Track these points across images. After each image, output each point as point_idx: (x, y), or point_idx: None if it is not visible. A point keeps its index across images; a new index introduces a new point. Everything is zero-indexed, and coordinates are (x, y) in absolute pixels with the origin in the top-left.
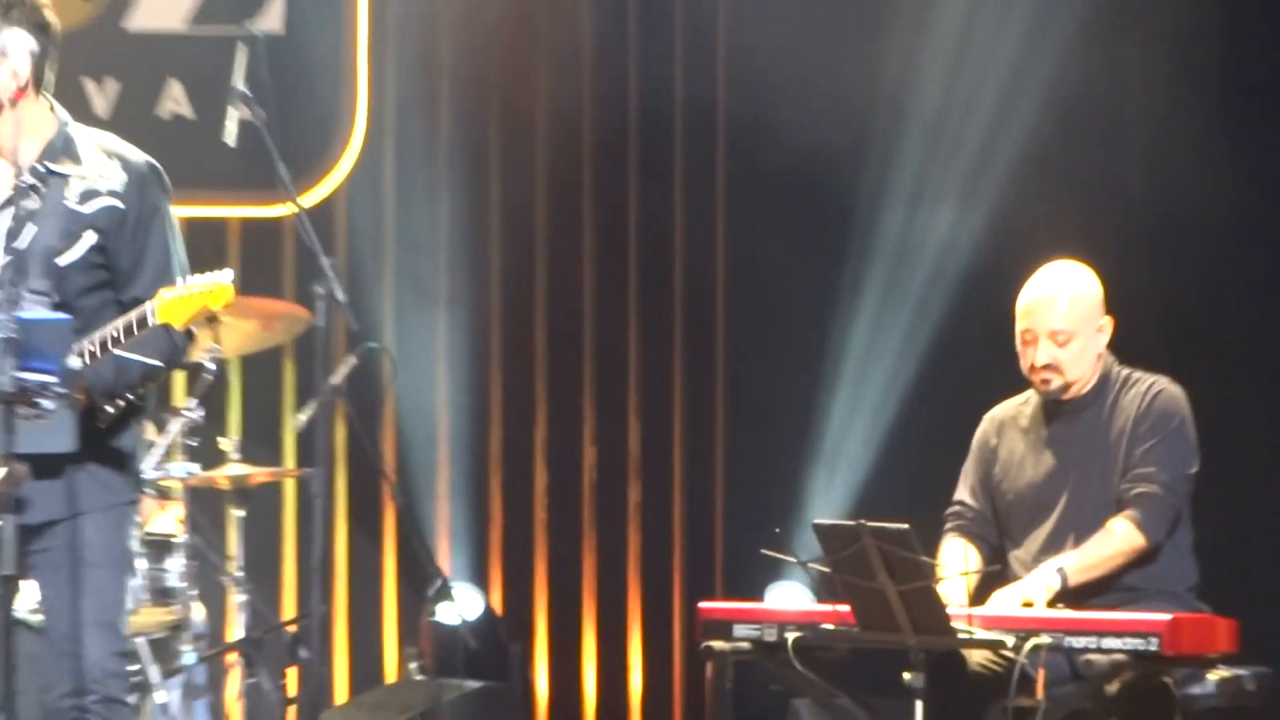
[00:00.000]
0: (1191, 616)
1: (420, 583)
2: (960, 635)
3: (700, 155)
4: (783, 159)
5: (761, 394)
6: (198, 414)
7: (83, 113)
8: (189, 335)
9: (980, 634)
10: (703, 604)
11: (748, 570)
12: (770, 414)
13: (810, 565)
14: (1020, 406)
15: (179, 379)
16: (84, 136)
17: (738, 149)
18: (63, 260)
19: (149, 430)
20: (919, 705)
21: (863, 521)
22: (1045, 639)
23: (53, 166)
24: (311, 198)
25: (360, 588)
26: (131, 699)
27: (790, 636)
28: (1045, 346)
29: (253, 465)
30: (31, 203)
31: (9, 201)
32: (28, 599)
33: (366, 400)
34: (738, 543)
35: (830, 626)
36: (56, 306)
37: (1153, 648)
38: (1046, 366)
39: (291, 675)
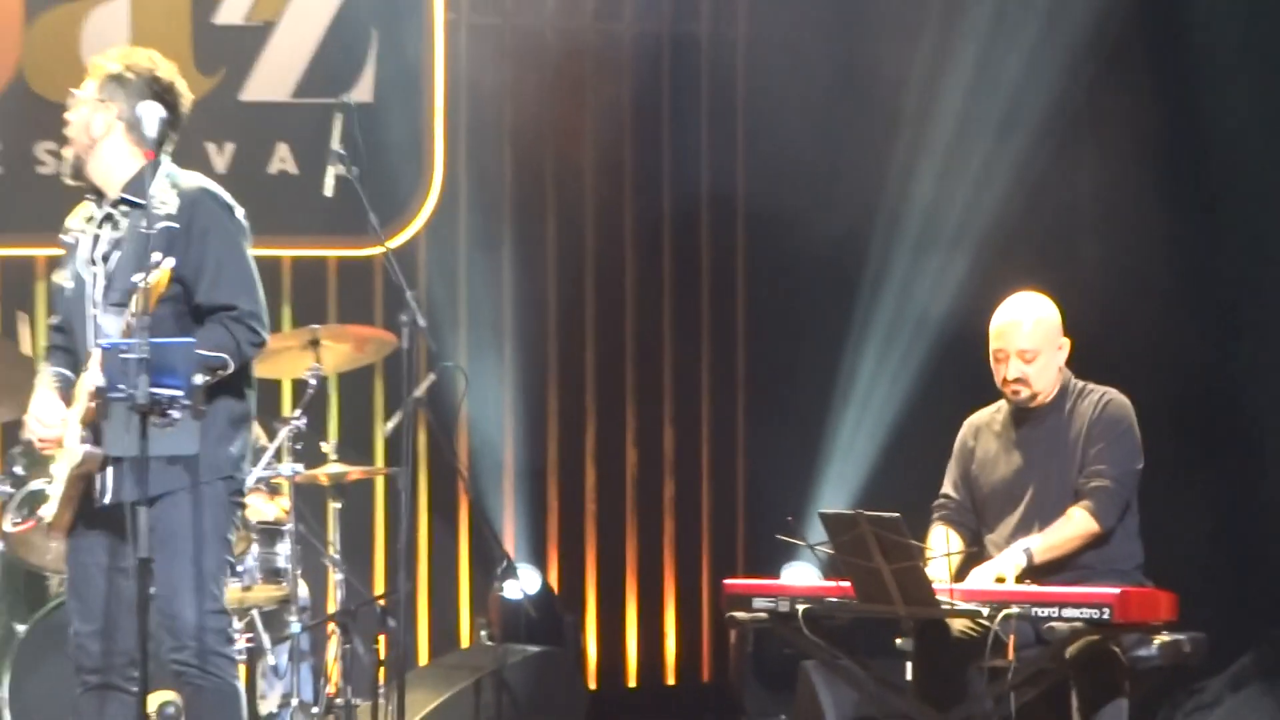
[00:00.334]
0: (1138, 590)
1: (489, 563)
2: (943, 606)
3: (722, 207)
4: (798, 227)
5: (777, 407)
6: (302, 422)
7: (204, 170)
8: (256, 334)
9: (960, 605)
10: (727, 581)
11: (765, 552)
12: (784, 423)
13: (817, 548)
14: (994, 413)
15: (287, 393)
16: (162, 173)
17: (757, 210)
18: (137, 278)
19: (261, 436)
20: (909, 665)
21: (861, 511)
22: (1015, 609)
23: (129, 198)
24: (397, 241)
25: (438, 568)
26: (230, 650)
27: (800, 608)
28: (1014, 363)
29: (348, 465)
30: (117, 230)
31: (101, 226)
32: None
33: (444, 410)
34: (756, 529)
35: (834, 599)
36: (131, 316)
37: (1105, 617)
38: (1016, 380)
39: (381, 641)
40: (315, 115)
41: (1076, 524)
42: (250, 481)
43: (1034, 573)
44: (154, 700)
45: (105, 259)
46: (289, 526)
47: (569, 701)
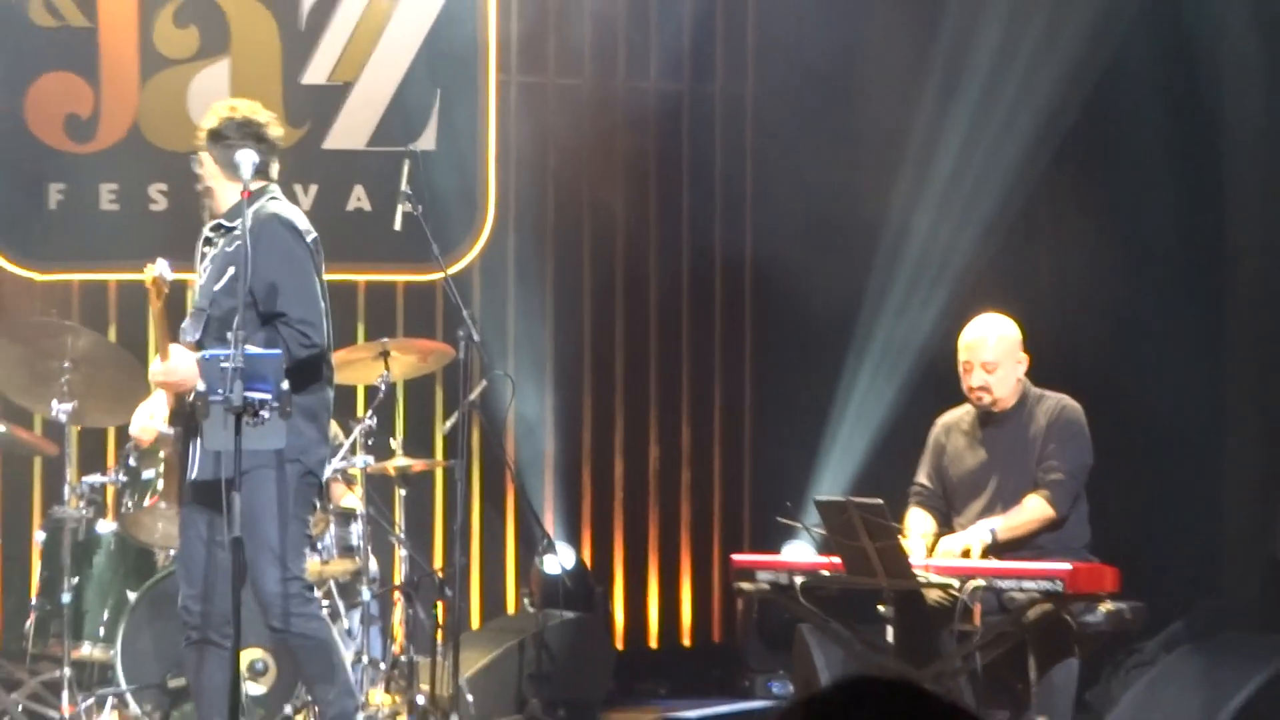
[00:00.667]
0: (1086, 566)
1: (531, 542)
2: (919, 579)
3: (733, 238)
4: (801, 258)
5: (780, 410)
6: (373, 422)
7: None
8: (308, 338)
9: (934, 578)
10: (735, 556)
11: (769, 532)
12: (786, 424)
13: (812, 529)
14: (962, 415)
15: (360, 398)
16: (255, 204)
17: (764, 241)
18: (216, 288)
19: (339, 433)
20: (890, 629)
21: (849, 498)
22: (980, 581)
23: (225, 224)
24: (455, 268)
25: (488, 545)
26: (310, 609)
27: (798, 580)
28: (979, 373)
29: (412, 458)
30: (212, 249)
31: (205, 247)
32: None
33: (494, 412)
34: (760, 513)
35: (826, 573)
36: (208, 320)
37: (1058, 588)
38: (981, 387)
39: (439, 608)
40: (386, 161)
41: (1035, 510)
42: (327, 471)
43: (996, 550)
44: (245, 656)
45: (204, 273)
46: (361, 510)
47: (599, 659)
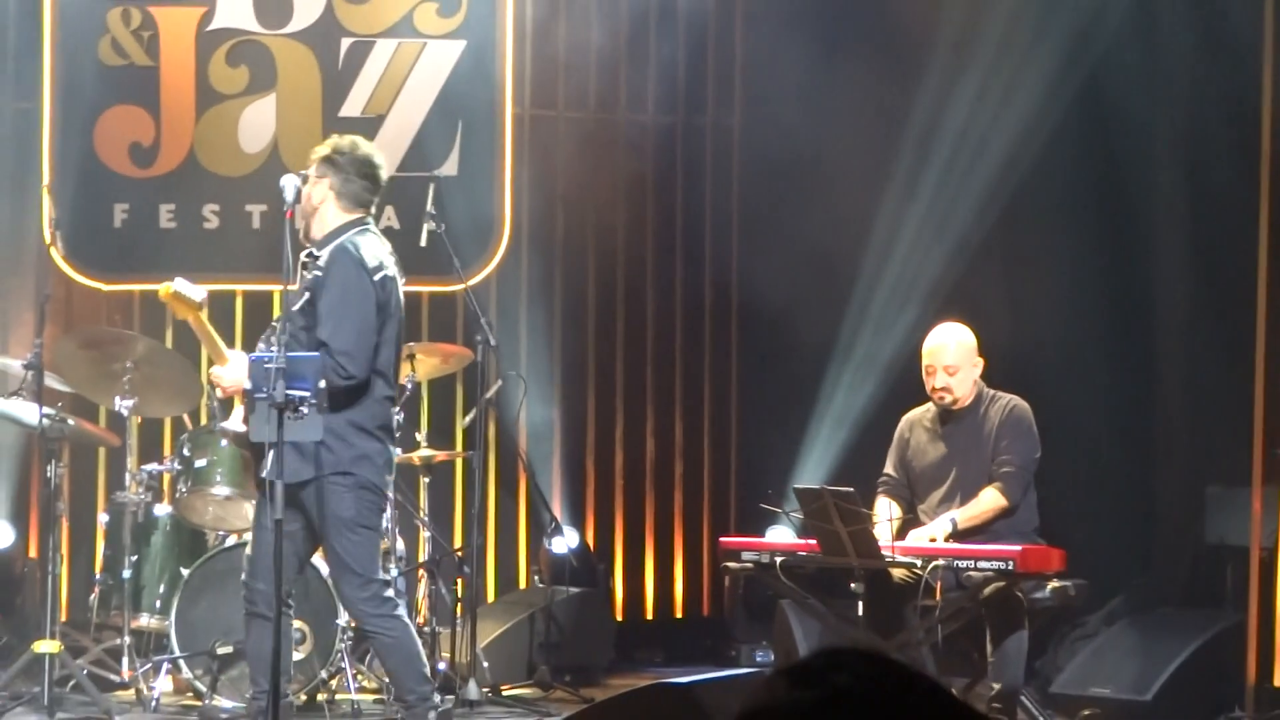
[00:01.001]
0: (1035, 548)
1: (541, 525)
2: (887, 559)
3: (721, 254)
4: (783, 273)
5: (764, 407)
6: (400, 417)
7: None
8: (343, 368)
9: (900, 558)
10: (723, 539)
11: (753, 517)
12: (770, 419)
13: (791, 514)
14: (924, 413)
15: None
16: (345, 234)
17: (749, 259)
18: (295, 308)
19: None
20: (860, 604)
21: (825, 486)
22: (941, 562)
23: (315, 252)
24: (474, 280)
25: (503, 528)
26: (385, 609)
27: (779, 560)
28: (940, 375)
29: (435, 449)
30: (307, 273)
31: (301, 270)
32: None
33: (508, 408)
34: (746, 500)
35: (804, 554)
36: (290, 337)
37: (1010, 568)
38: (942, 388)
39: (459, 583)
40: (414, 185)
41: (990, 500)
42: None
43: (956, 536)
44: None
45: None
46: (389, 496)
47: (601, 630)
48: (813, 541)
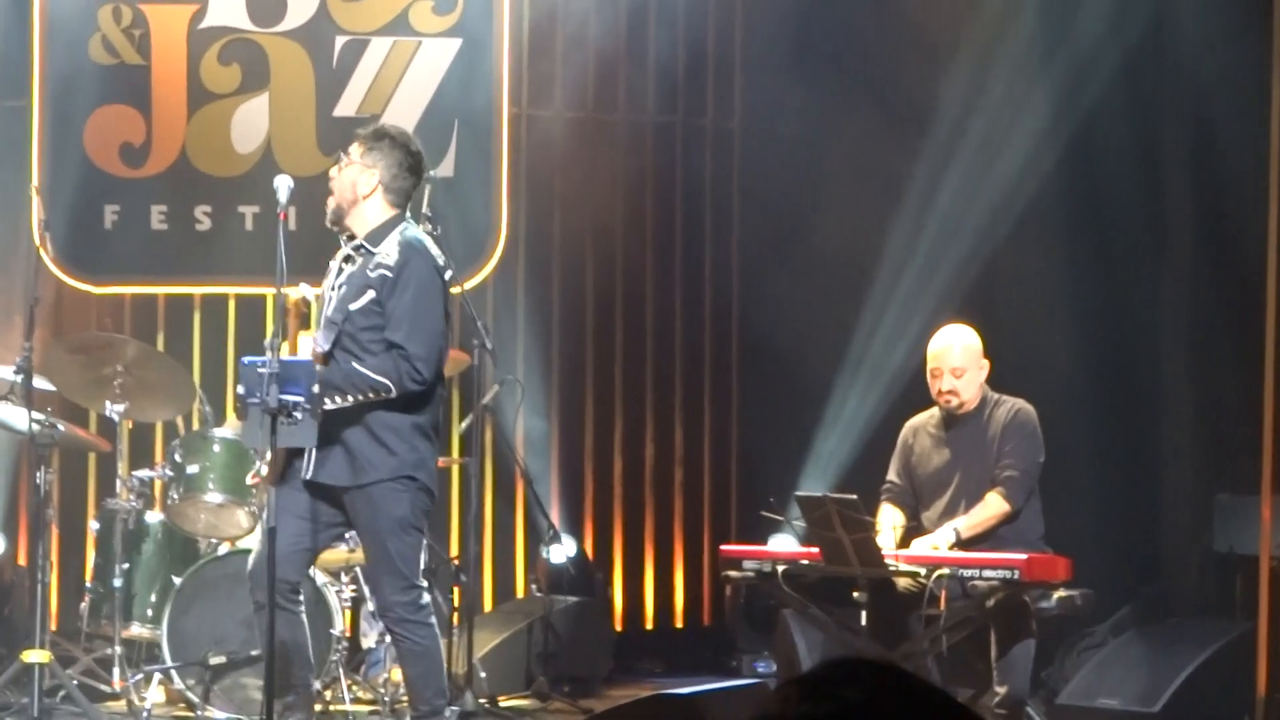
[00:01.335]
0: (1041, 556)
1: (538, 532)
2: (891, 568)
3: (720, 256)
4: (786, 271)
5: (766, 413)
6: None
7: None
8: (418, 373)
9: (904, 567)
10: (723, 547)
11: (754, 525)
12: (771, 426)
13: (793, 522)
14: (928, 417)
15: None
16: (396, 229)
17: (751, 256)
18: (352, 306)
19: None
20: (864, 613)
21: (827, 494)
22: (946, 570)
23: (369, 247)
24: (471, 283)
25: (499, 535)
26: (419, 616)
27: (780, 568)
28: (947, 378)
29: None
30: (352, 266)
31: (344, 263)
32: None
33: (505, 414)
34: (747, 507)
35: (806, 562)
36: (340, 334)
37: (1015, 576)
38: (949, 391)
39: (455, 592)
40: None
41: (992, 506)
42: None
43: (960, 544)
44: None
45: (339, 288)
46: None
47: (600, 640)
48: (815, 550)
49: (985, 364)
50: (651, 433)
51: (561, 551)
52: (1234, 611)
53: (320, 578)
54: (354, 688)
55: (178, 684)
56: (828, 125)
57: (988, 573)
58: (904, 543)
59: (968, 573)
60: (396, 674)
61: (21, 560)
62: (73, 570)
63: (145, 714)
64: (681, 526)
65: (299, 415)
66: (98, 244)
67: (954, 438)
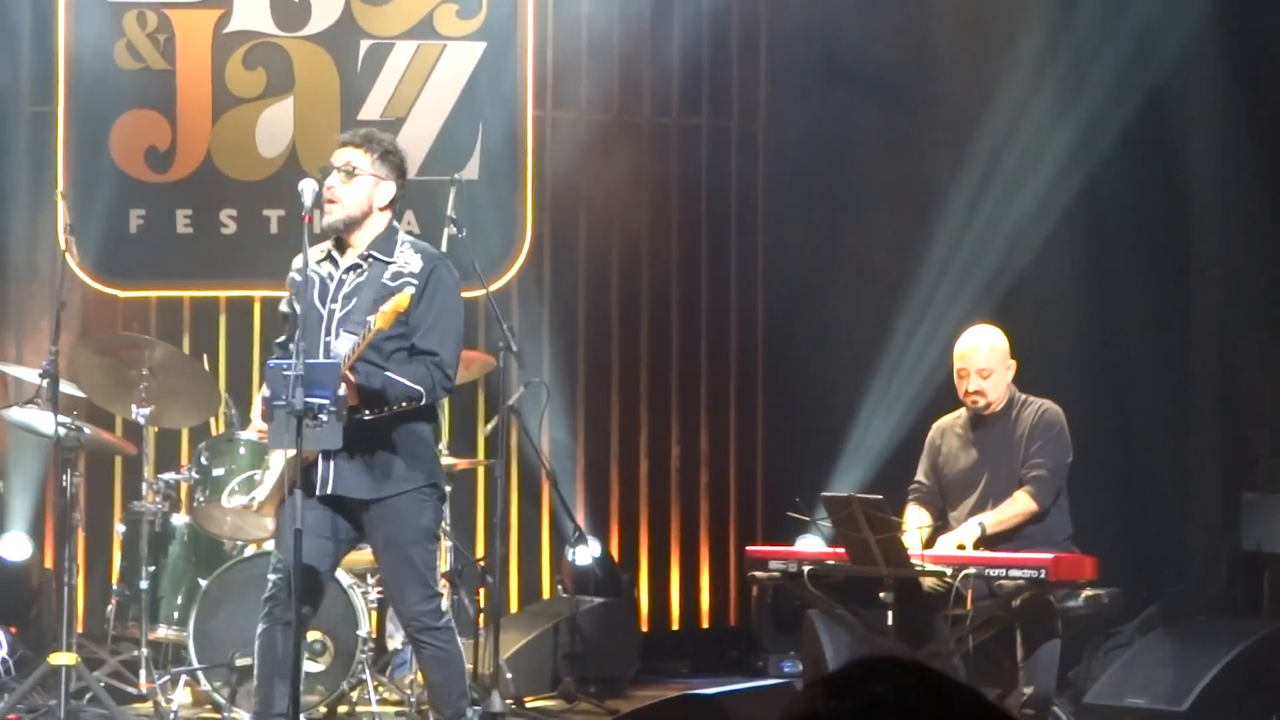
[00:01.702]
0: (1068, 556)
1: (564, 534)
2: (917, 568)
3: (746, 260)
4: (811, 267)
5: (791, 413)
6: None
7: None
8: (449, 380)
9: (930, 567)
10: (749, 548)
11: (780, 525)
12: (796, 427)
13: (820, 523)
14: (955, 418)
15: None
16: (402, 239)
17: (775, 255)
18: (372, 316)
19: None
20: (890, 614)
21: (853, 494)
22: (972, 570)
23: (379, 256)
24: (496, 285)
25: (526, 537)
26: (443, 622)
27: (806, 569)
28: (974, 379)
29: (457, 458)
30: (360, 276)
31: (347, 272)
32: None
33: (531, 416)
34: (773, 508)
35: (832, 562)
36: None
37: (1042, 576)
38: (975, 392)
39: (481, 593)
40: (434, 189)
41: (1020, 504)
42: None
43: (986, 542)
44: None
45: (348, 298)
46: None
47: (626, 641)
48: (841, 550)
49: (1012, 364)
50: (677, 434)
51: (587, 553)
52: (1262, 610)
53: (346, 579)
54: (380, 689)
55: (204, 686)
56: (853, 127)
57: (1014, 572)
58: (930, 543)
59: (994, 572)
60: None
61: (48, 563)
62: (99, 573)
63: (172, 716)
64: (707, 527)
65: (324, 418)
66: (123, 248)
67: (981, 438)
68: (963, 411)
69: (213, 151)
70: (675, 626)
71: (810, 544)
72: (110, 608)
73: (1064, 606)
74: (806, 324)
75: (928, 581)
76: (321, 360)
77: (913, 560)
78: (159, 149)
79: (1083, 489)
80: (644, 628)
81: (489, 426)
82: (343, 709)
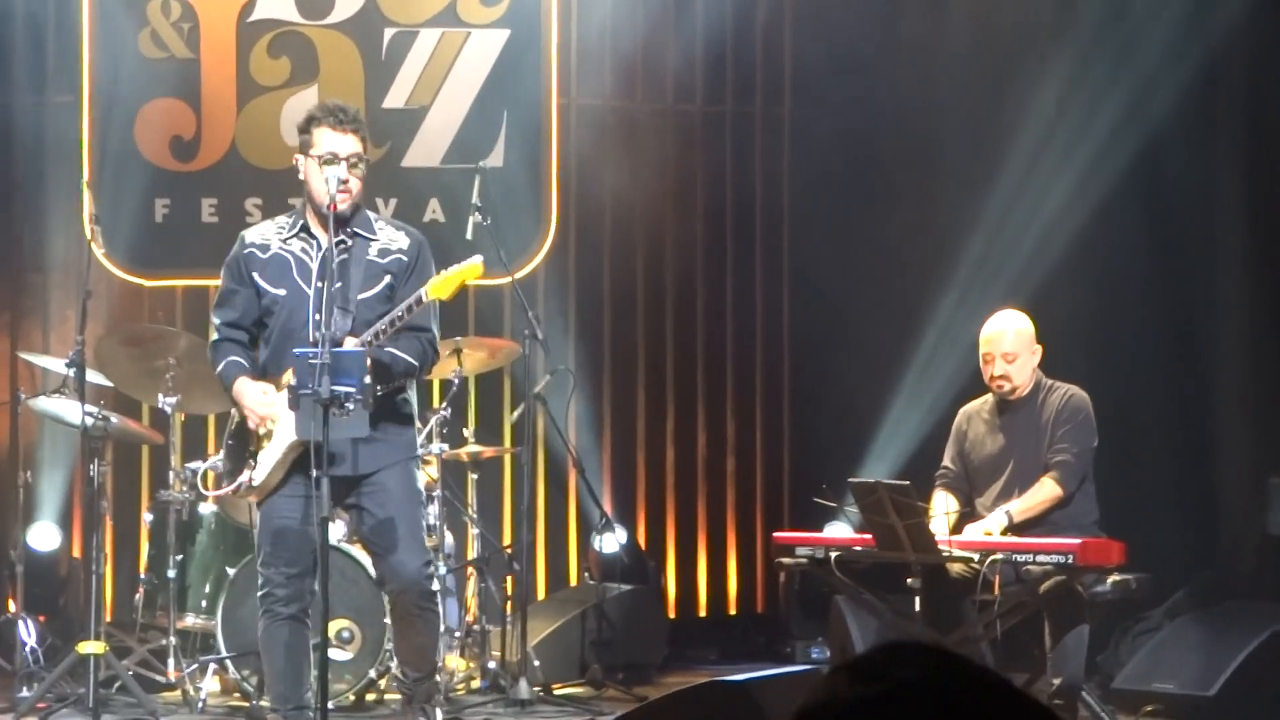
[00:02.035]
0: (1095, 541)
1: (591, 521)
2: (944, 554)
3: (773, 242)
4: (838, 249)
5: (816, 400)
6: (447, 412)
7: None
8: (437, 355)
9: (957, 553)
10: (776, 534)
11: (807, 512)
12: (821, 414)
13: (847, 509)
14: (981, 404)
15: (436, 390)
16: (375, 216)
17: (801, 238)
18: (363, 295)
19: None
20: (917, 600)
21: (880, 480)
22: (999, 556)
23: (363, 233)
24: (521, 273)
25: (552, 524)
26: (434, 585)
27: (833, 555)
28: (999, 363)
29: (483, 445)
30: (344, 253)
31: (330, 250)
32: (337, 533)
33: (557, 403)
34: (799, 494)
35: (859, 548)
36: (355, 321)
37: (1070, 561)
38: (1001, 377)
39: (508, 581)
40: (459, 177)
41: (1045, 490)
42: None
43: (1014, 528)
44: (333, 626)
45: (336, 276)
46: (437, 493)
47: (654, 628)
48: (869, 536)
49: (1038, 349)
50: (703, 421)
51: (614, 540)
52: None
53: (372, 567)
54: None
55: (232, 674)
56: (878, 113)
57: (1041, 557)
58: (957, 529)
59: (1021, 558)
60: (451, 660)
61: (76, 552)
62: (127, 562)
63: (200, 704)
64: (734, 514)
65: (351, 406)
66: (149, 237)
67: (1007, 423)
68: (989, 397)
69: (238, 140)
70: (702, 613)
71: (837, 530)
72: (138, 596)
73: (1092, 592)
74: (833, 310)
75: (955, 567)
76: (347, 349)
77: (940, 546)
78: (184, 138)
79: (1113, 474)
80: (671, 614)
81: (515, 414)
82: (370, 697)
